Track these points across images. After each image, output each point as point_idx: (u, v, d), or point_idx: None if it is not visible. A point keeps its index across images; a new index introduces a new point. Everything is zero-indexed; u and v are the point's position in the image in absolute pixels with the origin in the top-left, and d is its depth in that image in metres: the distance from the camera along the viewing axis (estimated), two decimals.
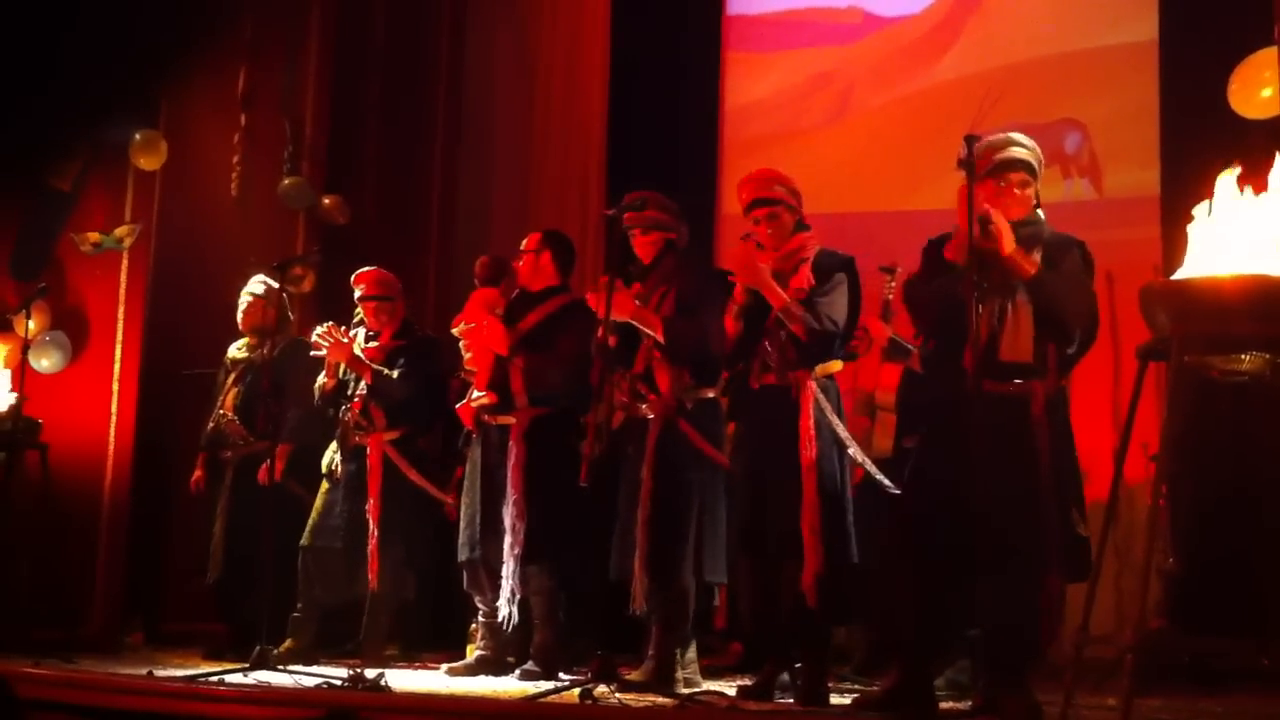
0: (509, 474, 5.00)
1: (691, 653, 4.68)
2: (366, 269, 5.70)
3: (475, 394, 5.19)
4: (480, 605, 5.18)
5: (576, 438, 5.05)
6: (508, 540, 4.95)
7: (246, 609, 5.46)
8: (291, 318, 6.26)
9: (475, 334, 5.23)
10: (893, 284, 5.49)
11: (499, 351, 5.10)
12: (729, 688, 4.60)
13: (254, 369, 5.95)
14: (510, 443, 5.03)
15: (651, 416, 4.65)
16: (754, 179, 4.51)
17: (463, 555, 5.13)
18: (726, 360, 4.54)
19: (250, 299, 6.03)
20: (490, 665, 5.08)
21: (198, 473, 6.04)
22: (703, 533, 4.60)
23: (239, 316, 6.09)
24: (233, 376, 6.04)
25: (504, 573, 4.95)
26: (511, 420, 5.07)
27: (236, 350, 6.13)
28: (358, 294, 5.68)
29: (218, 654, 5.54)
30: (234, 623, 5.75)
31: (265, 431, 5.62)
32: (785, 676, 4.35)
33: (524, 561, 4.94)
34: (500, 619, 4.98)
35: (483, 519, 5.08)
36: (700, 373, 4.64)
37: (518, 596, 4.95)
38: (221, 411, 5.95)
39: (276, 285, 5.97)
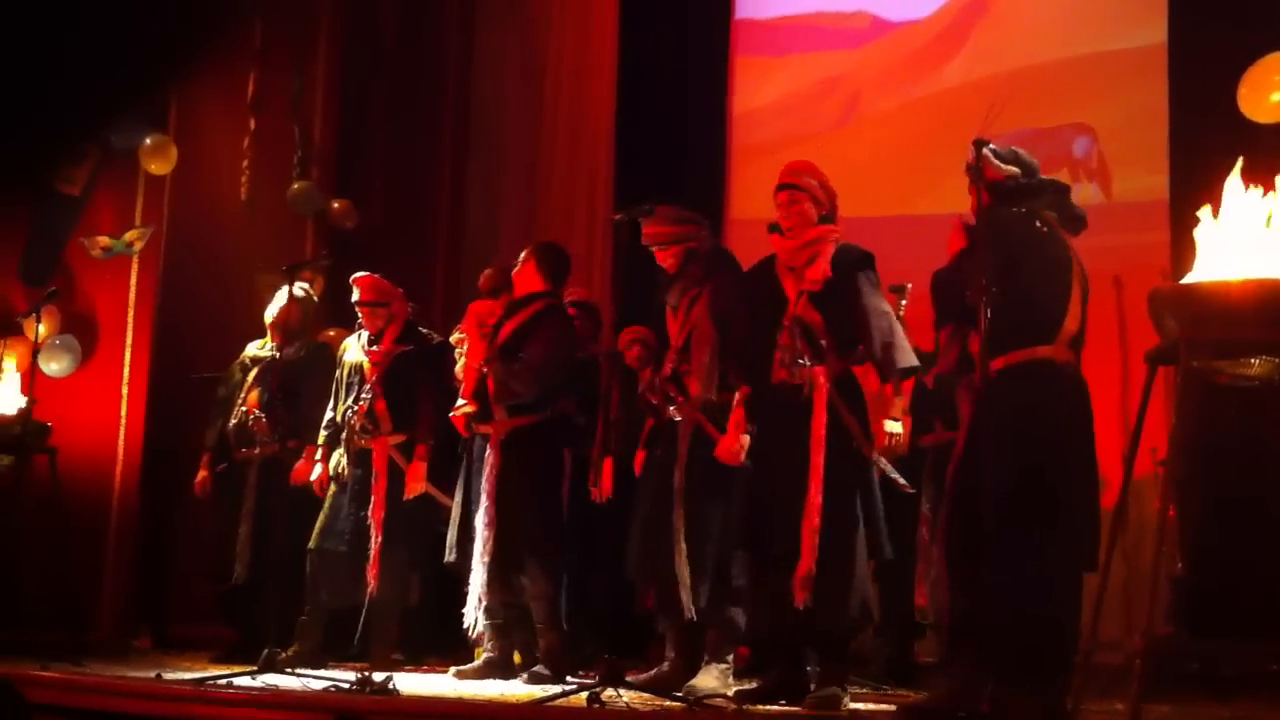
0: (484, 482, 5.03)
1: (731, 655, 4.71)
2: (360, 274, 5.71)
3: (460, 402, 5.22)
4: None
5: (563, 443, 5.16)
6: (477, 547, 4.99)
7: (258, 612, 5.45)
8: (309, 321, 6.21)
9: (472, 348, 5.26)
10: (904, 303, 5.47)
11: (474, 363, 5.14)
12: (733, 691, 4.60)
13: (276, 368, 5.92)
14: (488, 451, 5.07)
15: (680, 419, 4.66)
16: (788, 168, 4.57)
17: (449, 556, 5.19)
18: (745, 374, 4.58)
19: (289, 298, 5.92)
20: (498, 668, 5.09)
21: (203, 473, 6.05)
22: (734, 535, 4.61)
23: (268, 315, 6.03)
24: (253, 374, 6.00)
25: (472, 580, 5.00)
26: (489, 430, 5.10)
27: (257, 349, 6.10)
28: (354, 298, 5.70)
29: (229, 658, 5.55)
30: (247, 626, 5.75)
31: (288, 433, 5.62)
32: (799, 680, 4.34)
33: (492, 569, 4.97)
34: (466, 626, 5.03)
35: (461, 525, 5.14)
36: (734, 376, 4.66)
37: (484, 604, 4.99)
38: (244, 409, 5.91)
39: (313, 294, 5.97)
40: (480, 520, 4.99)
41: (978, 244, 3.79)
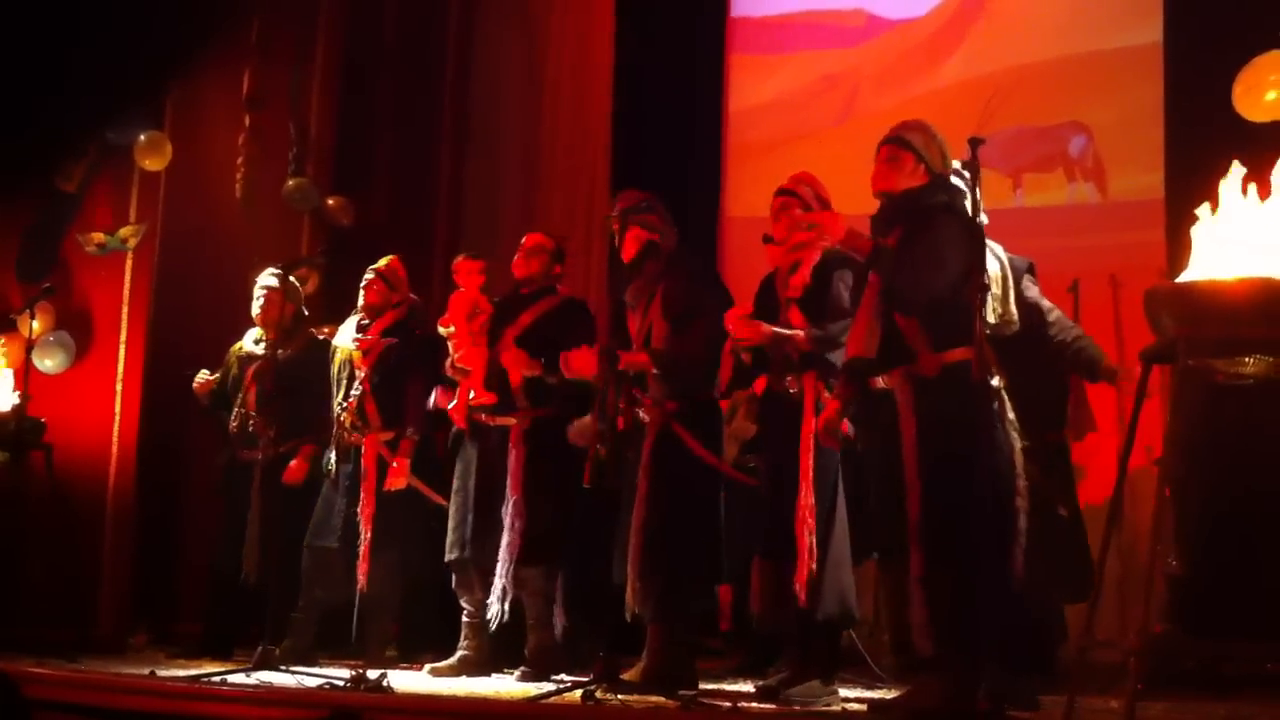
0: (509, 474, 5.01)
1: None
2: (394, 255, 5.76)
3: (471, 394, 5.18)
4: (466, 605, 5.17)
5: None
6: (505, 538, 4.96)
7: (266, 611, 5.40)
8: (306, 313, 6.16)
9: (464, 339, 5.22)
10: None
11: (531, 374, 5.08)
12: (730, 689, 4.60)
13: (273, 366, 5.85)
14: (510, 444, 5.04)
15: (647, 420, 4.67)
16: (791, 177, 4.67)
17: (451, 555, 5.14)
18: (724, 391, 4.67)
19: (265, 293, 5.86)
20: (473, 666, 5.07)
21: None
22: (701, 535, 4.61)
23: (254, 311, 5.94)
24: (249, 373, 5.90)
25: (498, 571, 4.96)
26: (512, 421, 5.08)
27: (252, 345, 6.00)
28: (373, 265, 5.68)
29: (189, 654, 5.60)
30: (219, 623, 5.77)
31: (290, 432, 5.59)
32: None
33: (520, 562, 4.95)
34: (489, 617, 4.99)
35: (477, 518, 5.08)
36: (695, 380, 4.67)
37: (510, 595, 4.96)
38: (243, 410, 5.84)
39: (292, 278, 5.92)
40: (508, 512, 4.97)
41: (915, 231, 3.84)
